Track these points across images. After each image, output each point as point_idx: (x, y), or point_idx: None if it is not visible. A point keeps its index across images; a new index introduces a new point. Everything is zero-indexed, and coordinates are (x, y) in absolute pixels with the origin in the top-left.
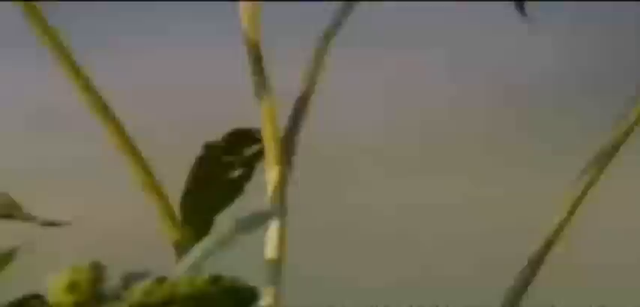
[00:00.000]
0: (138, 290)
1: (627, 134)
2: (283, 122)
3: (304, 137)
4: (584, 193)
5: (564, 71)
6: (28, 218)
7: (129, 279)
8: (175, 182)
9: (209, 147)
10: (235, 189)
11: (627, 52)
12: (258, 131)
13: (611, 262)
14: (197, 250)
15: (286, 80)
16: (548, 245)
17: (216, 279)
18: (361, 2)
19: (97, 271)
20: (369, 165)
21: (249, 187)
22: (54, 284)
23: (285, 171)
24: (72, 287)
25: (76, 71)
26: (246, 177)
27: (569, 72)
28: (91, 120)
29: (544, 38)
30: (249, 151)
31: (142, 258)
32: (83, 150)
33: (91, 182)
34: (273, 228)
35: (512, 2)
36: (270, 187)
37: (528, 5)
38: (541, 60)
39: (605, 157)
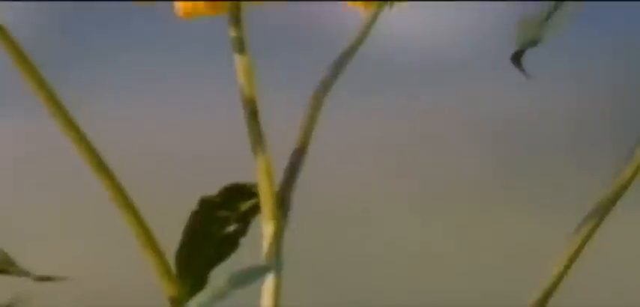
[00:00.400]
0: None
1: (626, 186)
2: (279, 176)
3: (300, 191)
4: (582, 245)
5: (563, 120)
6: (23, 273)
7: None
8: (171, 236)
9: (204, 202)
10: (231, 243)
11: (626, 103)
12: (254, 185)
13: None
14: (192, 305)
15: (282, 134)
16: (546, 296)
17: None
18: (358, 54)
19: None
20: (365, 216)
21: (245, 242)
22: None
23: (281, 225)
24: None
25: (70, 125)
26: (242, 231)
27: (568, 121)
28: (88, 172)
29: (542, 87)
30: (245, 206)
31: None
32: (80, 202)
33: (87, 235)
34: (268, 283)
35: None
36: (266, 242)
37: (526, 57)
38: (539, 108)
39: (604, 208)
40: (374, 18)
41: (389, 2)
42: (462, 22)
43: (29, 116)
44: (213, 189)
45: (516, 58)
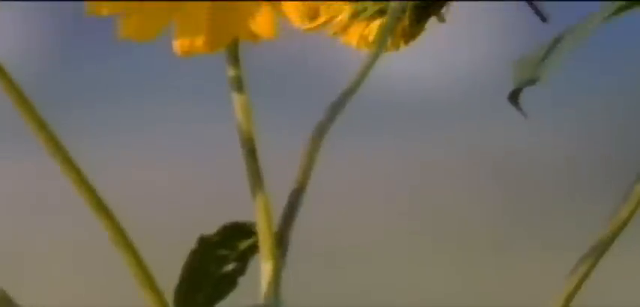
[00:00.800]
0: None
1: (624, 224)
2: (278, 215)
3: (298, 230)
4: (580, 283)
5: (562, 159)
6: None
7: None
8: (170, 275)
9: (203, 241)
10: (229, 282)
11: (624, 141)
12: (253, 224)
13: None
14: None
15: (280, 172)
16: None
17: None
18: (356, 93)
19: None
20: (365, 256)
21: (243, 281)
22: None
23: (280, 264)
24: None
25: (70, 165)
26: (241, 270)
27: (567, 160)
28: (86, 212)
29: (541, 126)
30: (244, 245)
31: None
32: (78, 241)
33: (87, 273)
34: None
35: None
36: (265, 281)
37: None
38: (538, 147)
39: (602, 247)
40: (374, 58)
41: (391, 45)
42: (461, 62)
43: (29, 155)
44: (211, 227)
45: (514, 98)
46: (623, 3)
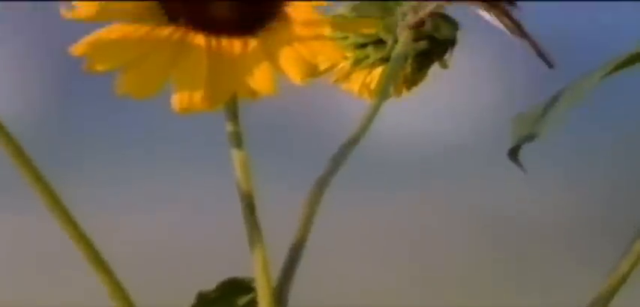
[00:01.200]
0: None
1: (623, 280)
2: (277, 271)
3: (297, 286)
4: None
5: (561, 214)
6: None
7: None
8: None
9: (202, 297)
10: None
11: (624, 198)
12: (251, 280)
13: None
14: None
15: (279, 228)
16: None
17: None
18: (356, 148)
19: None
20: None
21: None
22: None
23: None
24: None
25: (67, 220)
26: None
27: (567, 215)
28: (85, 268)
29: (540, 181)
30: (242, 301)
31: None
32: (77, 296)
33: None
34: None
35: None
36: None
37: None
38: (537, 202)
39: (602, 302)
40: (376, 107)
41: (394, 93)
42: (460, 117)
43: (27, 209)
44: (210, 283)
45: (513, 154)
46: (622, 60)
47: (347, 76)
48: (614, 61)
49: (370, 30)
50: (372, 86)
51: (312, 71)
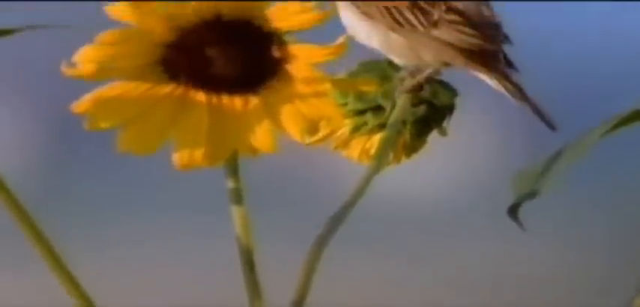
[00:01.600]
0: None
1: None
2: None
3: None
4: None
5: (562, 272)
6: None
7: None
8: None
9: None
10: None
11: (624, 255)
12: None
13: None
14: None
15: (279, 285)
16: None
17: None
18: (354, 208)
19: None
20: None
21: None
22: None
23: None
24: None
25: (69, 279)
26: None
27: (567, 273)
28: None
29: (541, 239)
30: None
31: None
32: None
33: None
34: None
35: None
36: None
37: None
38: (538, 260)
39: None
40: (374, 171)
41: (393, 159)
42: (459, 176)
43: (28, 268)
44: None
45: (513, 212)
46: (623, 118)
47: (347, 143)
48: (615, 118)
49: (370, 88)
50: (372, 152)
51: (313, 129)
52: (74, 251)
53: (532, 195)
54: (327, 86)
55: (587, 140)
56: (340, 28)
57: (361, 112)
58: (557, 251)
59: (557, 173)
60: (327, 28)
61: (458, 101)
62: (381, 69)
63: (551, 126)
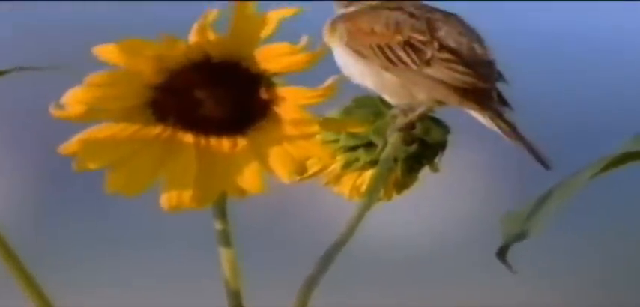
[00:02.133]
0: None
1: None
2: None
3: None
4: None
5: None
6: None
7: None
8: None
9: None
10: None
11: (616, 296)
12: None
13: None
14: None
15: None
16: None
17: None
18: (346, 246)
19: None
20: None
21: None
22: None
23: None
24: None
25: None
26: None
27: None
28: None
29: (532, 281)
30: None
31: None
32: None
33: None
34: None
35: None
36: None
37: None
38: (529, 303)
39: None
40: (364, 209)
41: (384, 196)
42: (448, 218)
43: None
44: None
45: (502, 254)
46: (612, 159)
47: (338, 179)
48: (604, 160)
49: (360, 130)
50: (363, 189)
51: (301, 170)
52: (62, 293)
53: (521, 236)
54: (316, 128)
55: (577, 181)
56: (334, 68)
57: (353, 148)
58: (548, 292)
59: (546, 214)
60: (320, 66)
61: (450, 138)
62: (375, 105)
63: (545, 165)
